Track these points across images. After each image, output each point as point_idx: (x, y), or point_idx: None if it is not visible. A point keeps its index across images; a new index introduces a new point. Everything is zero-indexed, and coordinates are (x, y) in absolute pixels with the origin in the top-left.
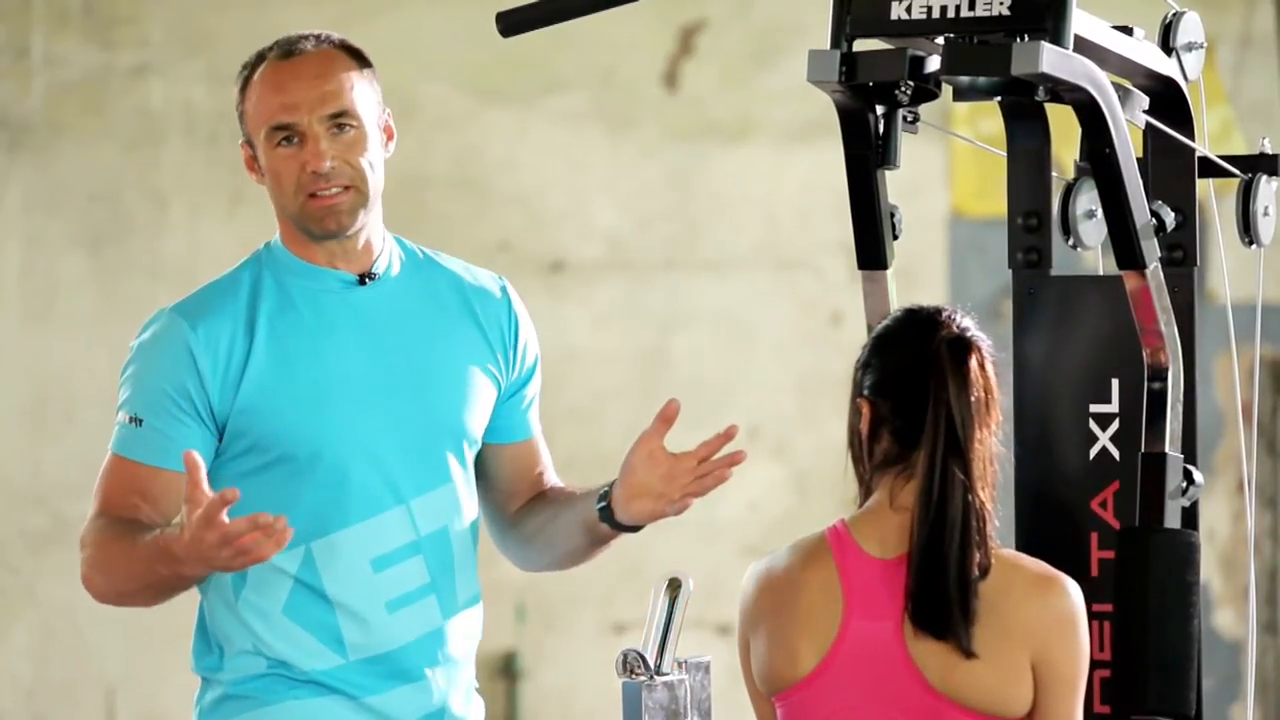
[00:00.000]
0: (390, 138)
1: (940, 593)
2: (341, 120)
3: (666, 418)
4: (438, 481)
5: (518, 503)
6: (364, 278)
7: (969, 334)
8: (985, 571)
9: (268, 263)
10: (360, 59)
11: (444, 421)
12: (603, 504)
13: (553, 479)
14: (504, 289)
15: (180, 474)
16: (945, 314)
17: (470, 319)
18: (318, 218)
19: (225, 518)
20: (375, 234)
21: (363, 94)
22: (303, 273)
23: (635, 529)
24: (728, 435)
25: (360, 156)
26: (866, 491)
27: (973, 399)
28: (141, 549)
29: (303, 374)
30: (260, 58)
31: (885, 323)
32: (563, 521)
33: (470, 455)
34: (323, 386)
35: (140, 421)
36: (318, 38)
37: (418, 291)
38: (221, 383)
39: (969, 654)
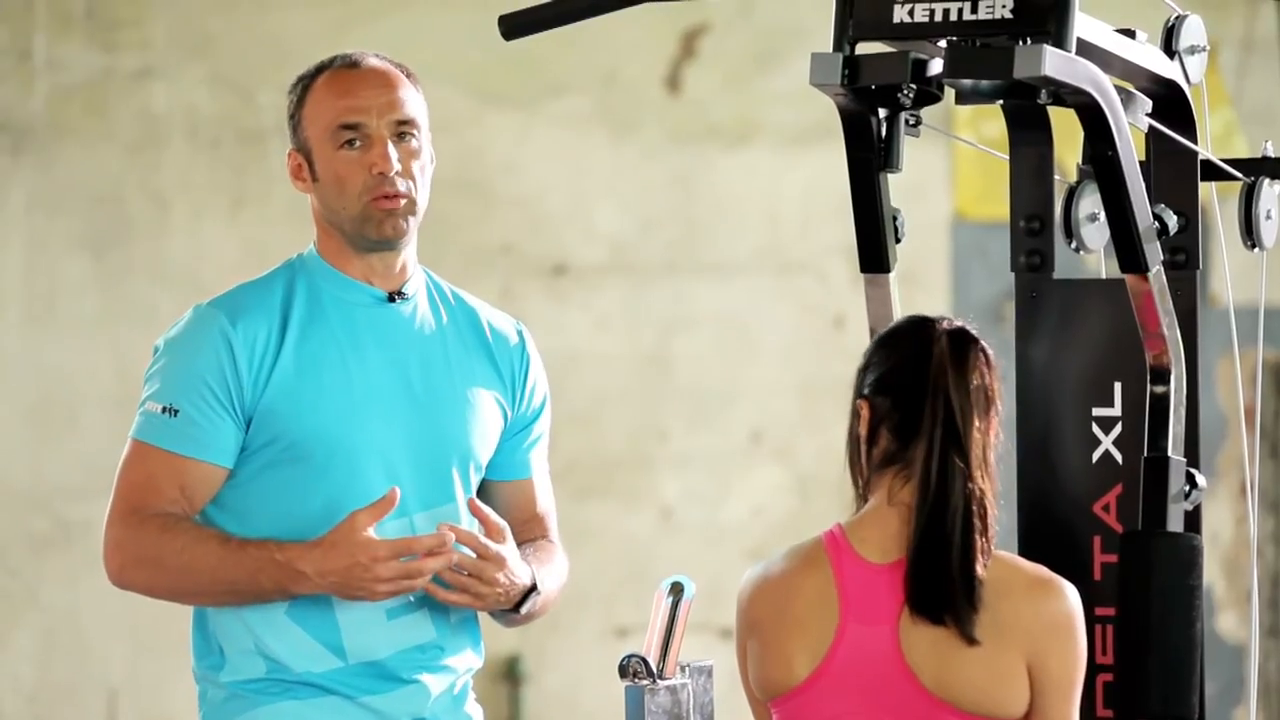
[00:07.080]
0: (431, 161)
1: (942, 577)
2: (405, 129)
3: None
4: (442, 499)
5: None
6: (393, 296)
7: (970, 330)
8: (987, 558)
9: (301, 271)
10: (415, 81)
11: (454, 442)
12: None
13: (549, 531)
14: (520, 333)
15: (214, 466)
16: (945, 319)
17: (484, 351)
18: (378, 221)
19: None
20: (411, 255)
21: (420, 110)
22: (337, 283)
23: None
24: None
25: (418, 168)
26: (864, 499)
27: (971, 387)
28: (242, 558)
29: (327, 379)
30: (320, 68)
31: (888, 327)
32: None
33: (475, 480)
34: (344, 393)
35: (176, 412)
36: (378, 55)
37: (439, 319)
38: (254, 379)
39: (970, 640)
